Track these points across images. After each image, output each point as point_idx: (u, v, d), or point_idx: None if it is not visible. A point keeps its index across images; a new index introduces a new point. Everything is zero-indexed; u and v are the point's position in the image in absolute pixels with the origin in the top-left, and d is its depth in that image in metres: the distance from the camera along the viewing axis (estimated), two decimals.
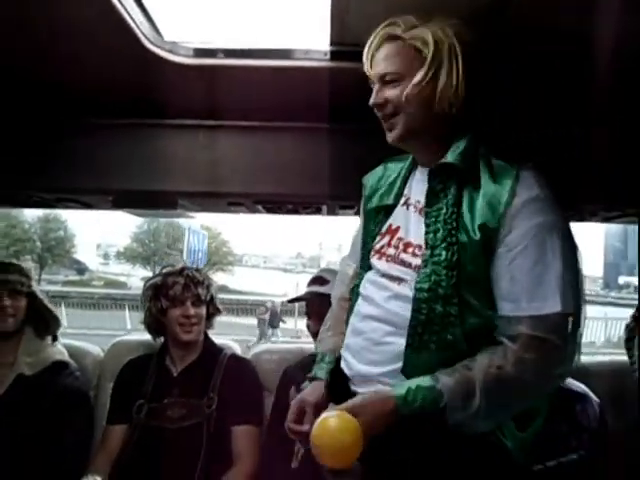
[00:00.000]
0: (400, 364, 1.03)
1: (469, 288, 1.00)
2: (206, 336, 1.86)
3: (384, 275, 1.11)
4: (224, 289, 24.22)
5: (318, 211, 1.90)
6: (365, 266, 1.19)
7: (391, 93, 1.07)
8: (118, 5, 1.12)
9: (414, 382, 0.97)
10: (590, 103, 1.44)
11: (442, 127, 1.09)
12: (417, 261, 1.05)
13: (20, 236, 27.97)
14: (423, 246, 1.06)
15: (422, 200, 1.11)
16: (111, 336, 2.16)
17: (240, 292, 26.09)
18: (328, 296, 1.37)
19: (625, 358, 1.87)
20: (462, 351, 0.99)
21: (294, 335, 14.21)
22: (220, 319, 1.95)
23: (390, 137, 1.11)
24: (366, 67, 1.10)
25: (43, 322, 1.87)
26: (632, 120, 1.55)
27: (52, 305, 1.92)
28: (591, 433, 1.53)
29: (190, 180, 1.70)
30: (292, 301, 2.14)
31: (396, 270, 1.08)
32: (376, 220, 1.20)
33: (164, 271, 1.83)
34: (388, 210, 1.18)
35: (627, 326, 1.88)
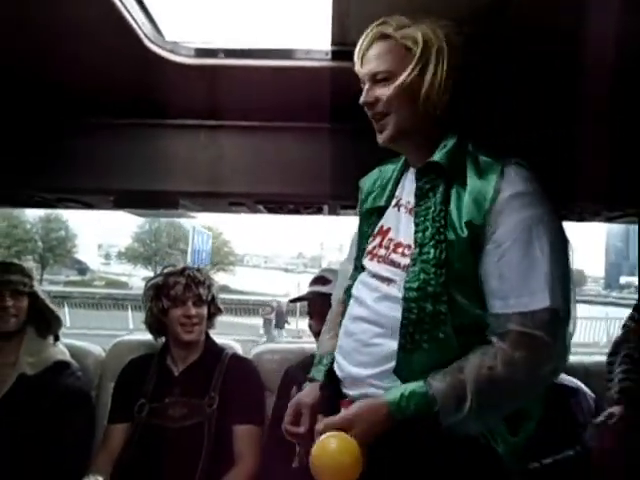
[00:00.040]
0: (389, 365, 1.03)
1: (458, 286, 1.00)
2: (207, 336, 1.86)
3: (374, 276, 1.11)
4: (225, 289, 24.23)
5: (319, 211, 1.90)
6: (358, 268, 1.19)
7: (382, 92, 1.07)
8: (119, 5, 1.12)
9: (407, 388, 0.97)
10: (591, 103, 1.44)
11: (432, 127, 1.09)
12: (406, 261, 1.05)
13: (22, 236, 28.02)
14: (412, 246, 1.06)
15: (412, 200, 1.11)
16: (114, 336, 2.17)
17: (241, 292, 26.09)
18: (330, 296, 1.38)
19: None
20: (454, 349, 0.99)
21: (296, 335, 14.22)
22: (221, 319, 1.95)
23: (381, 138, 1.11)
24: (357, 66, 1.10)
25: (45, 322, 1.87)
26: (633, 119, 1.55)
27: (54, 305, 1.92)
28: (586, 428, 1.53)
29: (191, 180, 1.70)
30: (294, 301, 2.14)
31: (386, 271, 1.08)
32: (369, 222, 1.21)
33: (165, 271, 1.83)
34: (380, 212, 1.19)
35: (615, 341, 1.71)
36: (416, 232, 1.05)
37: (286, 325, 15.09)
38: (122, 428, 1.71)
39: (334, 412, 1.03)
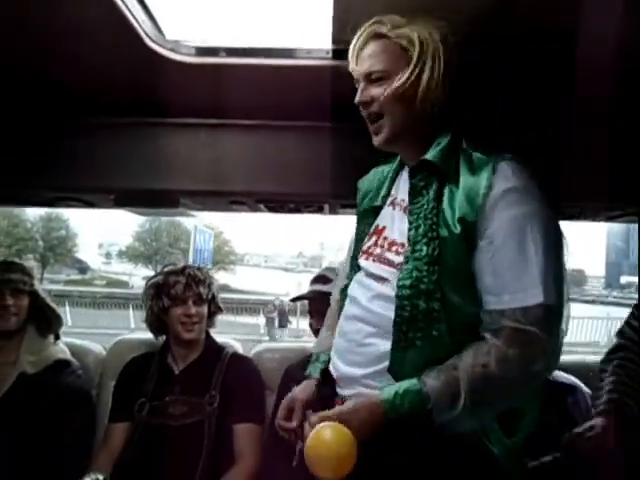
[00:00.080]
0: (382, 365, 1.03)
1: (451, 283, 1.00)
2: (208, 335, 1.86)
3: (369, 275, 1.11)
4: (226, 288, 24.25)
5: (320, 210, 1.90)
6: (355, 267, 1.19)
7: (376, 91, 1.07)
8: (120, 4, 1.12)
9: (401, 386, 0.98)
10: (591, 103, 1.44)
11: (426, 126, 1.09)
12: (400, 259, 1.06)
13: (22, 235, 28.04)
14: (406, 244, 1.06)
15: (407, 198, 1.11)
16: (115, 335, 2.17)
17: (242, 291, 26.11)
18: (331, 295, 1.38)
19: None
20: (448, 346, 0.99)
21: (296, 334, 14.22)
22: (222, 318, 1.96)
23: (376, 140, 1.12)
24: (351, 65, 1.10)
25: (45, 321, 1.87)
26: (633, 119, 1.55)
27: (54, 304, 1.92)
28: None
29: (192, 179, 1.70)
30: (295, 300, 2.14)
31: (380, 269, 1.09)
32: (365, 222, 1.22)
33: (166, 270, 1.84)
34: (376, 211, 1.20)
35: (610, 349, 1.58)
36: (409, 230, 1.05)
37: (287, 324, 15.07)
38: (123, 427, 1.72)
39: (327, 409, 1.03)
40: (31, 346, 1.81)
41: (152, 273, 2.00)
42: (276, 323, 14.76)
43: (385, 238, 1.12)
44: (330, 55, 1.33)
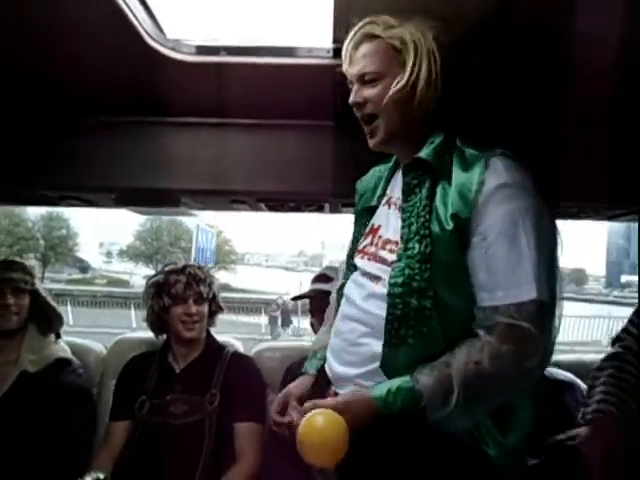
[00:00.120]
0: (375, 365, 1.03)
1: (444, 280, 1.00)
2: (208, 333, 1.86)
3: (364, 274, 1.12)
4: (226, 287, 24.26)
5: (321, 209, 1.90)
6: (351, 267, 1.20)
7: (370, 92, 1.08)
8: (120, 3, 1.12)
9: (394, 383, 0.98)
10: (592, 103, 1.44)
11: (421, 126, 1.10)
12: (393, 257, 1.06)
13: (23, 234, 28.03)
14: (400, 242, 1.06)
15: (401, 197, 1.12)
16: (117, 334, 2.17)
17: (242, 290, 26.11)
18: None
19: None
20: (440, 344, 0.99)
21: (297, 333, 14.21)
22: (223, 317, 1.96)
23: (371, 143, 1.12)
24: (345, 66, 1.11)
25: (46, 320, 1.88)
26: (633, 118, 1.55)
27: (55, 303, 1.92)
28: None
29: (193, 178, 1.70)
30: (296, 298, 2.15)
31: (375, 268, 1.09)
32: (362, 222, 1.22)
33: (166, 269, 1.84)
34: (372, 211, 1.20)
35: (606, 356, 1.49)
36: (402, 228, 1.06)
37: (291, 323, 15.00)
38: (123, 425, 1.72)
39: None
40: (32, 345, 1.81)
41: (153, 272, 2.00)
42: (279, 322, 14.73)
43: (380, 237, 1.13)
44: (331, 54, 1.33)
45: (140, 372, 1.78)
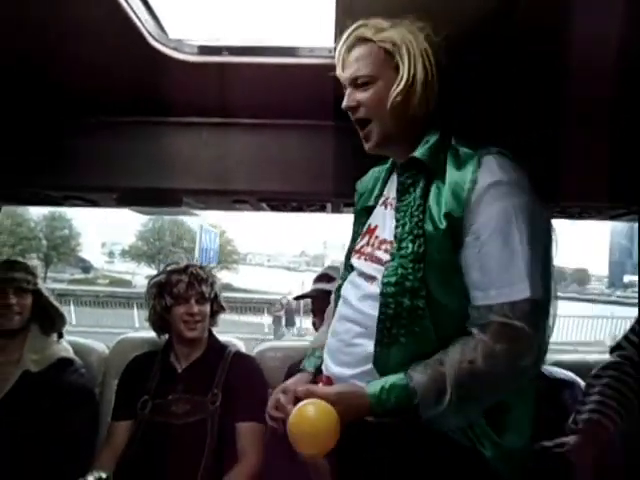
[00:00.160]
0: (369, 366, 1.03)
1: (437, 280, 0.99)
2: (210, 333, 1.86)
3: (361, 274, 1.12)
4: (228, 287, 24.26)
5: (322, 209, 1.90)
6: (348, 267, 1.20)
7: (363, 96, 1.08)
8: (123, 3, 1.12)
9: (387, 380, 0.98)
10: (593, 102, 1.44)
11: (417, 127, 1.10)
12: (388, 257, 1.06)
13: (26, 234, 28.05)
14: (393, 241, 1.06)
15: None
16: (120, 334, 2.18)
17: (244, 290, 26.11)
18: None
19: None
20: (433, 343, 0.99)
21: (299, 333, 14.20)
22: (225, 317, 1.96)
23: (367, 146, 1.13)
24: (338, 70, 1.11)
25: (49, 320, 1.88)
26: (634, 117, 1.55)
27: (57, 303, 1.92)
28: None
29: (195, 178, 1.70)
30: (298, 298, 2.15)
31: (371, 268, 1.09)
32: (360, 222, 1.23)
33: (168, 269, 1.84)
34: (369, 211, 1.21)
35: (604, 365, 1.45)
36: (396, 227, 1.06)
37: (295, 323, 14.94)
38: (126, 425, 1.72)
39: None
40: (34, 345, 1.82)
41: (155, 272, 2.00)
42: (283, 322, 14.69)
43: (376, 237, 1.13)
44: (333, 54, 1.33)
45: (142, 372, 1.78)
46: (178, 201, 1.79)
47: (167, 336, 1.86)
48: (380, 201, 1.19)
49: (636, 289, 2.05)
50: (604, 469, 1.32)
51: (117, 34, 1.23)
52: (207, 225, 16.17)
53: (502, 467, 1.00)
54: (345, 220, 1.32)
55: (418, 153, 1.07)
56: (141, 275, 29.79)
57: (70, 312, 13.85)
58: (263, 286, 29.35)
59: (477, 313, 0.98)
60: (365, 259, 1.12)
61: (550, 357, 2.02)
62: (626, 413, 1.31)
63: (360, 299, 1.08)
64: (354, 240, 1.22)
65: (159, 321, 1.82)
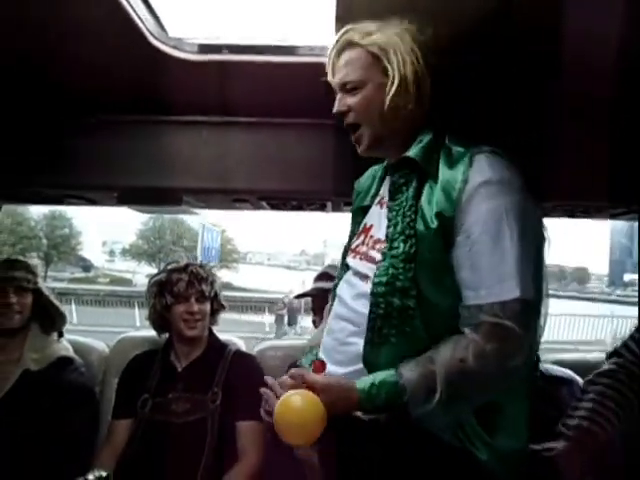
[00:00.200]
0: (362, 365, 1.03)
1: (429, 279, 0.99)
2: (210, 332, 1.86)
3: (356, 273, 1.12)
4: (228, 286, 24.26)
5: (322, 208, 1.90)
6: (344, 266, 1.20)
7: (352, 101, 1.09)
8: (123, 2, 1.12)
9: (377, 377, 0.98)
10: (593, 102, 1.44)
11: (409, 128, 1.10)
12: (381, 257, 1.06)
13: (26, 233, 28.06)
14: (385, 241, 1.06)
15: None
16: (121, 333, 2.18)
17: (244, 289, 26.12)
18: None
19: None
20: (423, 343, 0.99)
21: (299, 332, 14.20)
22: (225, 316, 1.96)
23: (359, 150, 1.14)
24: (329, 75, 1.12)
25: (49, 318, 1.88)
26: (635, 116, 1.54)
27: (58, 302, 1.92)
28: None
29: (195, 176, 1.70)
30: (299, 297, 2.16)
31: (365, 267, 1.09)
32: (356, 221, 1.24)
33: (168, 268, 1.84)
34: (365, 210, 1.21)
35: (599, 371, 1.40)
36: (388, 227, 1.06)
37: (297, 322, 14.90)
38: (126, 423, 1.72)
39: None
40: (34, 343, 1.81)
41: (156, 271, 2.00)
42: (285, 320, 14.68)
43: (371, 237, 1.13)
44: None
45: (142, 370, 1.78)
46: (178, 200, 1.79)
47: (167, 335, 1.86)
48: (376, 200, 1.19)
49: (636, 288, 2.05)
50: (604, 469, 1.32)
51: (117, 33, 1.23)
52: (209, 224, 16.20)
53: (497, 469, 1.00)
54: (345, 219, 1.32)
55: (411, 153, 1.07)
56: (141, 274, 29.80)
57: (71, 311, 13.85)
58: (263, 285, 29.36)
59: (468, 313, 0.97)
60: (360, 258, 1.12)
61: (550, 356, 2.03)
62: (618, 422, 1.30)
63: (354, 298, 1.09)
64: (350, 239, 1.22)
65: (159, 320, 1.82)
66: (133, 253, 33.55)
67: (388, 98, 1.04)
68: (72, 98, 1.61)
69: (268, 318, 15.83)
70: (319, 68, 1.35)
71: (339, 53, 1.10)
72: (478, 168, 0.99)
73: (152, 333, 1.90)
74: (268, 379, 1.07)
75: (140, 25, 1.21)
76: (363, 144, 1.12)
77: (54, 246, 29.84)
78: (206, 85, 1.50)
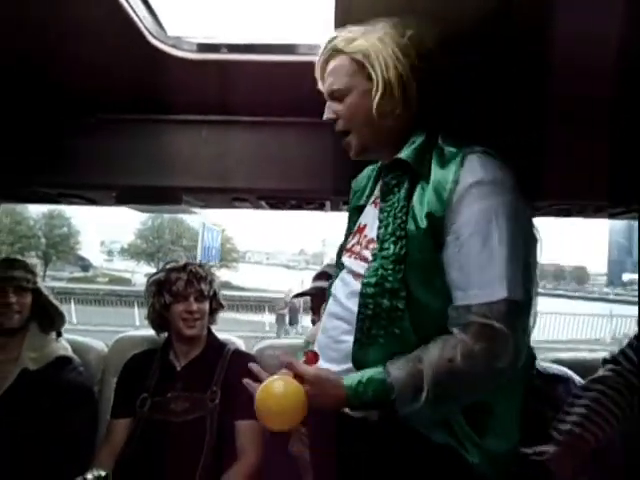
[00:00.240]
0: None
1: (419, 280, 0.99)
2: (209, 331, 1.87)
3: (350, 272, 1.13)
4: (227, 285, 24.27)
5: (321, 207, 1.90)
6: (340, 265, 1.20)
7: (339, 108, 1.10)
8: (122, 1, 1.12)
9: (365, 374, 0.98)
10: (593, 102, 1.44)
11: (400, 130, 1.10)
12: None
13: (25, 233, 28.06)
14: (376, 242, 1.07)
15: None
16: (121, 332, 2.18)
17: (243, 289, 26.13)
18: None
19: None
20: (413, 345, 0.99)
21: (299, 332, 14.20)
22: (224, 315, 1.96)
23: (351, 155, 1.15)
24: (318, 83, 1.14)
25: (48, 318, 1.88)
26: (635, 116, 1.55)
27: (57, 301, 1.92)
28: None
29: (194, 176, 1.70)
30: (297, 296, 2.16)
31: (358, 266, 1.09)
32: (352, 221, 1.24)
33: (167, 267, 1.84)
34: (361, 210, 1.22)
35: (593, 378, 1.39)
36: (379, 228, 1.06)
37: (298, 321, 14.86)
38: (125, 423, 1.72)
39: None
40: (33, 343, 1.81)
41: (155, 270, 2.00)
42: (287, 320, 14.66)
43: (365, 236, 1.14)
44: None
45: (141, 370, 1.78)
46: (177, 199, 1.79)
47: (166, 334, 1.86)
48: (370, 200, 1.20)
49: (635, 287, 2.05)
50: (604, 469, 1.32)
51: (116, 32, 1.23)
52: (209, 223, 16.19)
53: (486, 469, 0.99)
54: (344, 218, 1.32)
55: (403, 154, 1.07)
56: (140, 273, 29.81)
57: (71, 310, 13.85)
58: (262, 284, 29.38)
59: (456, 313, 0.97)
60: (355, 258, 1.13)
61: (549, 355, 2.03)
62: (610, 429, 1.29)
63: (348, 296, 1.09)
64: (346, 238, 1.23)
65: (158, 319, 1.83)
66: (132, 252, 33.56)
67: (374, 103, 1.05)
68: (72, 98, 1.61)
69: (268, 317, 15.82)
70: None
71: (326, 61, 1.11)
72: (470, 168, 0.99)
73: (151, 332, 1.90)
74: (253, 366, 1.08)
75: (139, 24, 1.21)
76: (353, 150, 1.14)
77: (53, 245, 29.86)
78: (205, 84, 1.50)
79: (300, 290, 2.21)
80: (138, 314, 14.61)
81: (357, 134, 1.11)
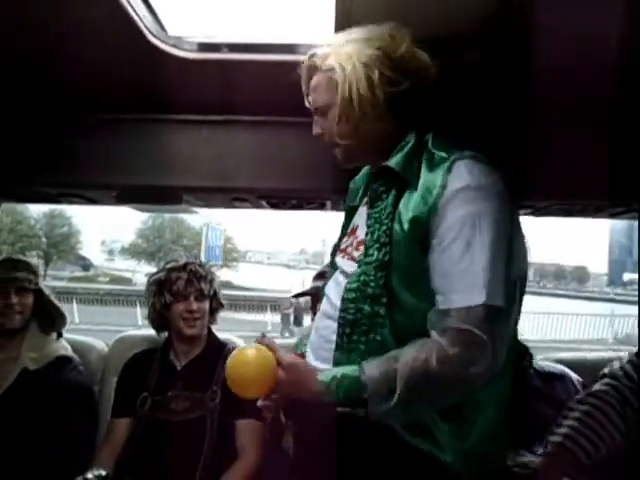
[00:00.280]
0: None
1: (404, 284, 1.00)
2: (210, 331, 1.87)
3: (342, 273, 1.13)
4: (228, 285, 24.25)
5: (322, 206, 1.90)
6: (334, 265, 1.21)
7: (324, 123, 1.12)
8: (122, 1, 1.12)
9: (340, 371, 0.99)
10: (593, 101, 1.44)
11: (386, 138, 1.10)
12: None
13: (26, 232, 28.06)
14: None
15: None
16: (122, 331, 2.18)
17: (244, 288, 26.12)
18: None
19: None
20: (392, 350, 0.98)
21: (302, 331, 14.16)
22: (224, 315, 1.96)
23: (340, 165, 1.17)
24: (305, 99, 1.16)
25: (49, 318, 1.88)
26: (635, 117, 1.55)
27: (58, 302, 1.92)
28: None
29: (194, 175, 1.70)
30: (298, 296, 2.15)
31: (350, 267, 1.10)
32: (347, 221, 1.24)
33: (168, 266, 1.84)
34: (355, 210, 1.22)
35: (589, 391, 1.38)
36: (366, 234, 1.06)
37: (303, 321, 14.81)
38: (125, 422, 1.72)
39: None
40: (33, 343, 1.81)
41: (155, 270, 2.00)
42: (292, 320, 14.63)
43: (356, 237, 1.14)
44: None
45: (142, 369, 1.78)
46: (178, 199, 1.79)
47: (167, 334, 1.86)
48: (364, 201, 1.20)
49: (636, 287, 2.05)
50: (604, 469, 1.32)
51: (116, 31, 1.23)
52: (213, 223, 16.22)
53: (464, 472, 0.99)
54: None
55: (392, 162, 1.07)
56: (141, 273, 29.81)
57: (73, 310, 13.86)
58: (263, 284, 29.37)
59: (435, 317, 0.97)
60: (347, 258, 1.13)
61: (550, 355, 2.03)
62: (603, 444, 1.28)
63: (338, 297, 1.09)
64: (340, 238, 1.23)
65: (158, 319, 1.83)
66: (132, 252, 33.56)
67: (337, 115, 1.07)
68: (72, 98, 1.61)
69: (269, 317, 15.80)
70: None
71: (308, 79, 1.13)
72: (457, 174, 0.99)
73: (151, 332, 1.91)
74: (264, 340, 1.08)
75: (139, 24, 1.21)
76: (340, 161, 1.16)
77: (53, 245, 29.87)
78: (206, 84, 1.50)
79: (300, 290, 2.20)
80: (140, 313, 14.61)
81: (342, 147, 1.12)
